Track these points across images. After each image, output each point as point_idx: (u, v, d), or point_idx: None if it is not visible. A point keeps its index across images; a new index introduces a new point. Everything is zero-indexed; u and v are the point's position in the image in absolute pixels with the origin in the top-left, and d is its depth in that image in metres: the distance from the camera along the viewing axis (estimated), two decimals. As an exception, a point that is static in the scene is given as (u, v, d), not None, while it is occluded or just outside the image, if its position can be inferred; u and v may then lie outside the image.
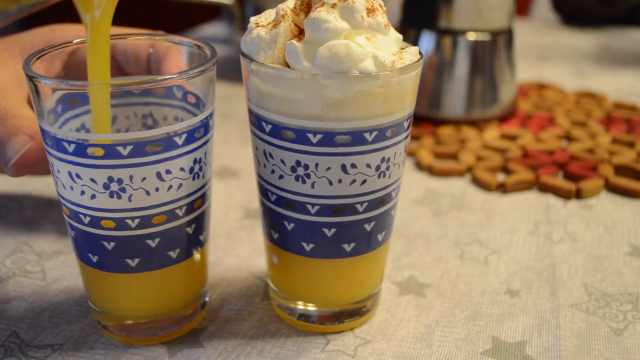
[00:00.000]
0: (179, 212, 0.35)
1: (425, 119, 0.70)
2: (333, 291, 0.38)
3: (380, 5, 0.34)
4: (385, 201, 0.36)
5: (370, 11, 0.33)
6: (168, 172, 0.34)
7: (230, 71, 0.84)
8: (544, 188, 0.56)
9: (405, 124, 0.35)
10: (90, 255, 0.35)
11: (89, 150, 0.32)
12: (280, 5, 0.35)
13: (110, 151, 0.32)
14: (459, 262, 0.46)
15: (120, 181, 0.33)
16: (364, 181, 0.35)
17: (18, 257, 0.46)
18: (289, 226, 0.36)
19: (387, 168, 0.35)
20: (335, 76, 0.32)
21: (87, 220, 0.34)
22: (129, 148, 0.32)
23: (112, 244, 0.34)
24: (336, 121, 0.33)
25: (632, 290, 0.43)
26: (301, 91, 0.32)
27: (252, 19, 0.36)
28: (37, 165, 0.39)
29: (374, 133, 0.33)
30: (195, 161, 0.35)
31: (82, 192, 0.33)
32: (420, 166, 0.61)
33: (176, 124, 0.33)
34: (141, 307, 0.37)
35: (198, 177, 0.35)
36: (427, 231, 0.50)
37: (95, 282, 0.37)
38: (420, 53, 0.35)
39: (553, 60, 0.98)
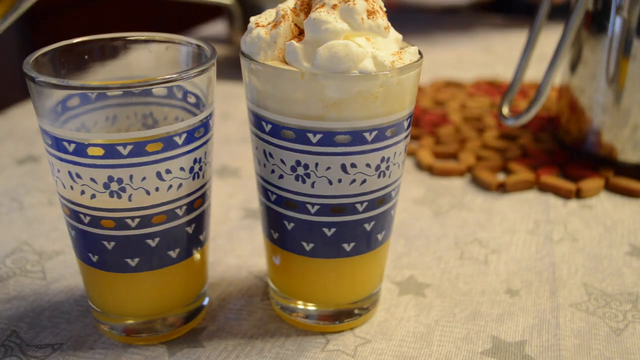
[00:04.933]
0: (179, 212, 0.35)
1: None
2: (333, 291, 0.38)
3: (381, 8, 0.34)
4: (385, 201, 0.36)
5: (370, 13, 0.33)
6: (168, 171, 0.34)
7: (230, 71, 0.84)
8: (544, 188, 0.56)
9: (405, 124, 0.35)
10: (90, 254, 0.35)
11: (89, 150, 0.32)
12: (281, 5, 0.35)
13: (110, 151, 0.32)
14: (459, 262, 0.46)
15: (120, 181, 0.33)
16: (364, 181, 0.35)
17: (18, 256, 0.46)
18: (289, 226, 0.36)
19: (387, 168, 0.35)
20: (335, 76, 0.32)
21: (87, 219, 0.34)
22: (129, 148, 0.32)
23: (112, 243, 0.35)
24: (336, 121, 0.33)
25: (632, 290, 0.43)
26: (301, 91, 0.33)
27: (252, 19, 0.36)
28: None
29: (374, 133, 0.33)
30: (195, 161, 0.35)
31: (82, 192, 0.33)
32: (420, 166, 0.61)
33: (176, 124, 0.33)
34: (141, 306, 0.37)
35: (198, 176, 0.35)
36: (427, 231, 0.50)
37: (95, 281, 0.37)
38: (419, 53, 0.35)
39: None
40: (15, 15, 0.32)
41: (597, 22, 0.55)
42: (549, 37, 0.68)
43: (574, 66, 0.59)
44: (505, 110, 0.59)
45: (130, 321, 0.38)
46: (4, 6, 0.32)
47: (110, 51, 0.39)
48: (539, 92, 0.55)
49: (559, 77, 0.63)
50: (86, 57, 0.38)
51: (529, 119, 0.56)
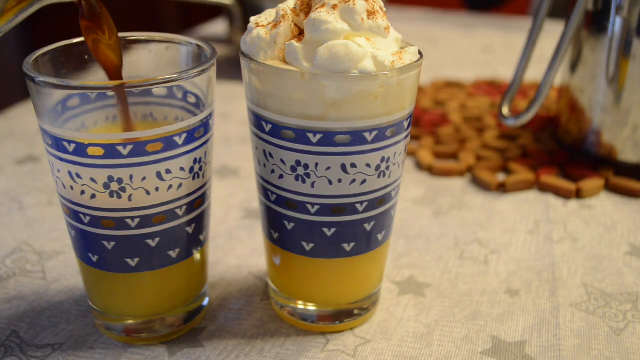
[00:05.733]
0: (179, 212, 0.35)
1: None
2: (333, 291, 0.38)
3: (381, 8, 0.34)
4: (385, 201, 0.36)
5: (370, 14, 0.33)
6: (168, 171, 0.34)
7: (230, 71, 0.84)
8: (544, 188, 0.56)
9: (405, 124, 0.35)
10: (91, 254, 0.35)
11: (89, 150, 0.32)
12: (281, 5, 0.35)
13: (110, 151, 0.32)
14: (459, 262, 0.46)
15: (120, 181, 0.33)
16: (364, 181, 0.35)
17: (18, 256, 0.46)
18: (289, 226, 0.36)
19: (387, 168, 0.35)
20: (335, 76, 0.32)
21: (87, 219, 0.34)
22: (129, 148, 0.32)
23: (112, 243, 0.35)
24: (336, 121, 0.33)
25: (632, 290, 0.43)
26: (301, 91, 0.32)
27: (252, 19, 0.36)
28: None
29: (374, 133, 0.33)
30: (195, 161, 0.35)
31: (82, 192, 0.33)
32: (420, 166, 0.61)
33: (176, 124, 0.33)
34: (141, 307, 0.37)
35: (198, 176, 0.35)
36: (427, 231, 0.50)
37: (95, 281, 0.37)
38: (419, 53, 0.35)
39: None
40: (29, 12, 0.32)
41: (597, 22, 0.55)
42: (549, 37, 0.68)
43: (574, 66, 0.59)
44: (505, 110, 0.59)
45: (130, 321, 0.38)
46: (11, 11, 0.31)
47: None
48: (539, 92, 0.55)
49: (559, 77, 0.63)
50: (86, 57, 0.37)
51: (529, 119, 0.56)
